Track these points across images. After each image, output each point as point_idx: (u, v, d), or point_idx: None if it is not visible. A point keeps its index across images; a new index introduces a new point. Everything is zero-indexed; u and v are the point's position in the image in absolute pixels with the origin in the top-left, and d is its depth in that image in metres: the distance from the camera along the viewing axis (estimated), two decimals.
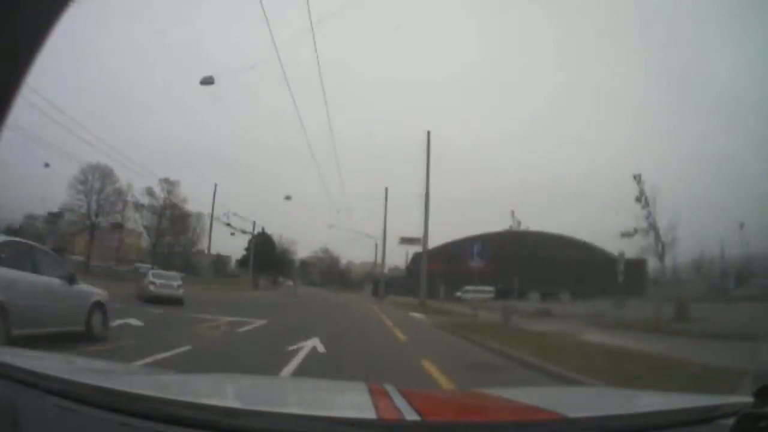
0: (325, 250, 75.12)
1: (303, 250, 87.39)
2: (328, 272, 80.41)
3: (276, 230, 59.91)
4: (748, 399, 1.26)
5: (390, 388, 1.60)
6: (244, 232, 46.97)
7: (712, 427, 1.27)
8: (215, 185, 43.45)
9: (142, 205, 43.56)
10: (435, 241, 41.17)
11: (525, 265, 39.83)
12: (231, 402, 1.35)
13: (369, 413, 1.31)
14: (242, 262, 55.84)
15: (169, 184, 43.60)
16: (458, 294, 39.30)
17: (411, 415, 1.25)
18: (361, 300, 39.90)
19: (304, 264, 77.03)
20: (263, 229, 53.54)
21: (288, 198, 43.77)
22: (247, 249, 52.94)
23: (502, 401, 1.76)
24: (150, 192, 43.12)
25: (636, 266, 29.85)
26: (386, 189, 39.70)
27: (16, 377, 1.27)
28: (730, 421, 1.22)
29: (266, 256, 54.22)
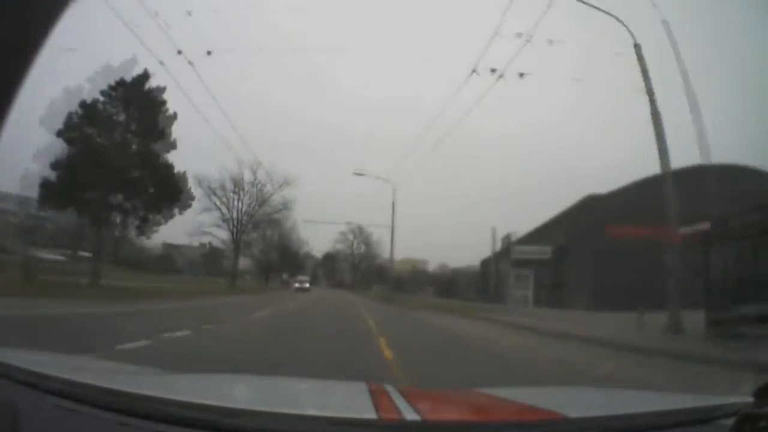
0: (359, 227, 52.18)
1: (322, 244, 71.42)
2: (362, 266, 56.39)
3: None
4: (748, 399, 1.26)
5: (390, 388, 1.60)
6: None
7: (712, 427, 1.27)
8: None
9: None
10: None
11: None
12: (231, 402, 1.35)
13: (369, 413, 1.31)
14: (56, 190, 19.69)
15: None
16: None
17: (411, 415, 1.26)
18: None
19: (329, 258, 60.72)
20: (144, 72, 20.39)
21: None
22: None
23: (502, 401, 1.76)
24: None
25: None
26: None
27: (16, 377, 1.27)
28: (730, 421, 1.22)
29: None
